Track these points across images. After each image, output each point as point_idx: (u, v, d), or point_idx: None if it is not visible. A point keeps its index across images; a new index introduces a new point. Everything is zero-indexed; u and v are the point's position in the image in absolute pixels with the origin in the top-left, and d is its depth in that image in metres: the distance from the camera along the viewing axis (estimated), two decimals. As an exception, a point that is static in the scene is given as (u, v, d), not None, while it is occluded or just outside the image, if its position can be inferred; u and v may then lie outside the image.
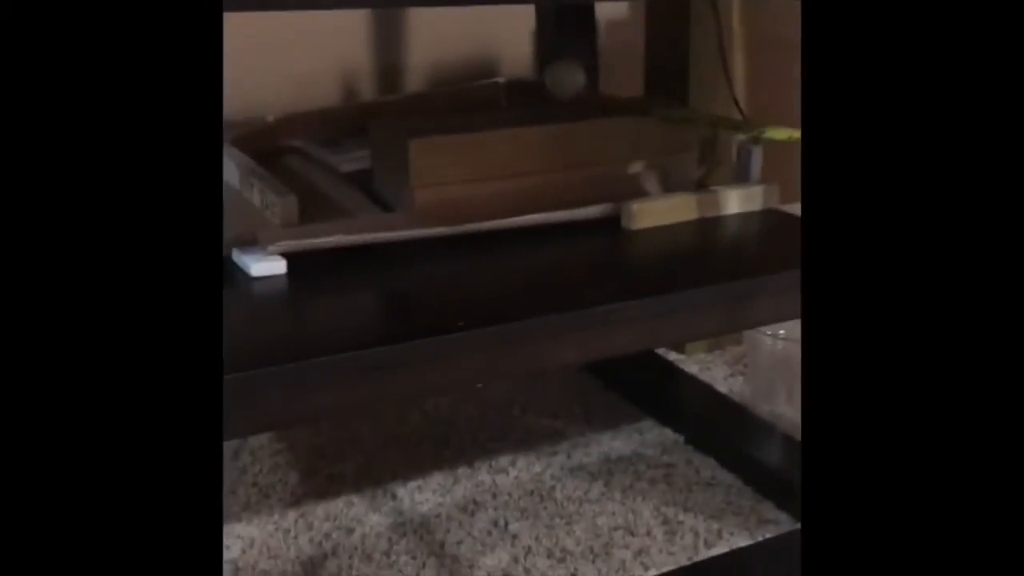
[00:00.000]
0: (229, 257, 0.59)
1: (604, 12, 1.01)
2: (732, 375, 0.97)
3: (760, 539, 0.70)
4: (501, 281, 0.59)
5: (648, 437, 0.85)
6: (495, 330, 0.52)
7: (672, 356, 1.01)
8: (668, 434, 0.85)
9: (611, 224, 0.68)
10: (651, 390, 0.92)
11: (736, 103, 0.84)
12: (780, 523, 0.72)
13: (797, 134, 0.60)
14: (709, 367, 0.99)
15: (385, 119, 0.77)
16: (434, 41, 1.01)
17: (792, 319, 0.65)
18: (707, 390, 0.92)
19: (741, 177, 0.73)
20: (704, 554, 0.68)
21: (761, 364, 0.90)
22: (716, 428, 0.85)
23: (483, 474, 0.80)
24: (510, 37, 1.02)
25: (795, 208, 0.78)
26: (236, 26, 0.56)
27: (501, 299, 0.56)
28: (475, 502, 0.76)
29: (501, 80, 0.83)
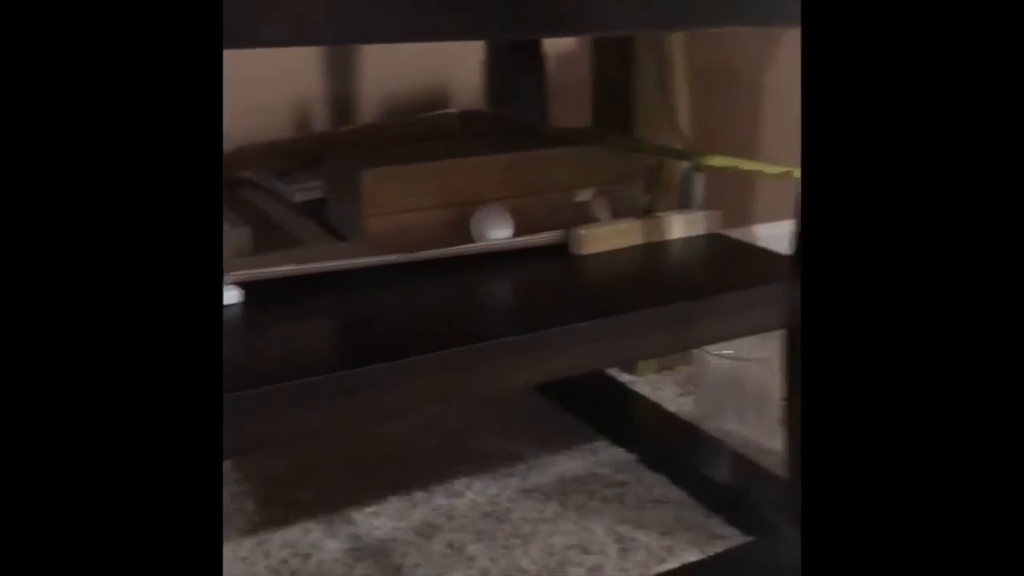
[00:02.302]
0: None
1: (553, 45, 1.04)
2: (682, 394, 0.99)
3: (710, 554, 0.71)
4: (454, 306, 0.61)
5: (601, 457, 0.87)
6: (449, 354, 0.54)
7: (624, 377, 1.03)
8: (621, 453, 0.87)
9: (561, 250, 0.70)
10: (604, 411, 0.94)
11: (679, 132, 0.87)
12: (729, 538, 0.74)
13: (735, 162, 0.63)
14: (660, 387, 1.02)
15: (339, 149, 0.78)
16: (387, 73, 1.03)
17: (736, 338, 0.68)
18: (658, 410, 0.94)
19: (684, 203, 0.76)
20: (656, 569, 0.70)
21: (709, 383, 0.92)
22: (667, 446, 0.87)
23: (440, 498, 0.81)
24: (462, 68, 1.05)
25: (736, 232, 0.81)
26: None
27: (454, 324, 0.57)
28: (432, 525, 0.77)
29: (454, 111, 0.85)
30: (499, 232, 0.68)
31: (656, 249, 0.71)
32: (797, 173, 0.61)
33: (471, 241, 0.68)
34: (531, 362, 0.57)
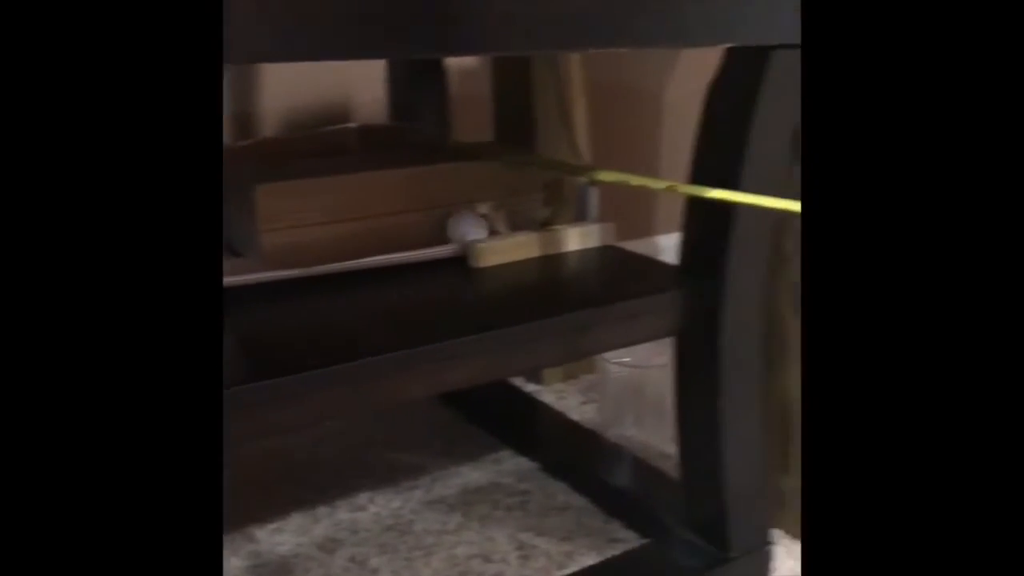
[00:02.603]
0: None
1: (455, 60, 1.05)
2: (585, 403, 1.02)
3: (607, 557, 0.73)
4: (351, 320, 0.61)
5: (505, 466, 0.88)
6: (346, 367, 0.54)
7: (530, 387, 1.05)
8: (525, 462, 0.89)
9: (459, 263, 0.71)
10: (509, 421, 0.96)
11: (575, 148, 0.89)
12: (628, 541, 0.77)
13: (624, 177, 0.66)
14: (565, 396, 1.04)
15: (234, 164, 0.78)
16: (289, 88, 1.03)
17: (627, 346, 0.70)
18: (561, 418, 0.96)
19: (580, 217, 0.79)
20: (555, 575, 0.72)
21: (610, 391, 0.95)
22: (569, 454, 0.89)
23: (342, 512, 0.81)
24: (364, 83, 1.05)
25: (638, 243, 0.84)
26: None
27: (351, 338, 0.58)
28: (334, 540, 0.77)
29: (353, 125, 0.86)
30: (475, 234, 0.72)
31: (552, 261, 0.73)
32: (682, 187, 0.64)
33: (376, 254, 0.69)
34: (426, 375, 0.57)
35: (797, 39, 0.58)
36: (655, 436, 0.91)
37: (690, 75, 1.30)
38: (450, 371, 0.59)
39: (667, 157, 1.34)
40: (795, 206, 0.58)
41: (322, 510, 0.81)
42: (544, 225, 0.78)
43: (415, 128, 0.90)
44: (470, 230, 0.72)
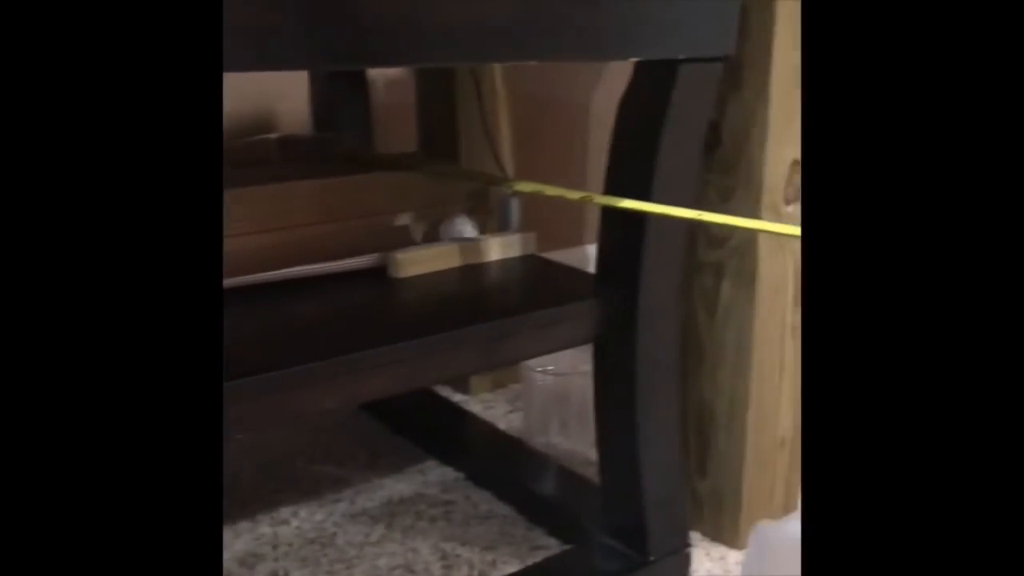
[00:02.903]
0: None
1: (378, 72, 1.05)
2: (512, 411, 1.02)
3: (529, 564, 0.74)
4: (268, 332, 0.61)
5: (430, 477, 0.88)
6: (262, 379, 0.54)
7: (457, 397, 1.05)
8: (449, 472, 0.89)
9: (379, 274, 0.71)
10: (434, 431, 0.96)
11: (497, 159, 0.90)
12: (550, 548, 0.77)
13: (541, 187, 0.67)
14: (492, 405, 1.04)
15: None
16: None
17: (545, 354, 0.71)
18: (487, 427, 0.97)
19: (502, 227, 0.79)
20: (479, 583, 0.72)
21: (534, 399, 0.96)
22: (493, 463, 0.89)
23: (264, 526, 0.79)
24: (287, 94, 1.05)
25: (561, 254, 0.85)
26: None
27: (266, 349, 0.57)
28: (255, 555, 0.75)
29: (272, 136, 0.85)
30: (466, 233, 0.74)
31: (472, 271, 0.74)
32: (597, 198, 0.65)
33: (295, 265, 0.68)
34: (341, 386, 0.57)
35: (703, 53, 0.60)
36: (580, 443, 0.92)
37: (616, 87, 1.32)
38: (368, 381, 0.59)
39: (593, 168, 1.35)
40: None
41: (243, 525, 0.80)
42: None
43: (337, 138, 0.90)
44: (464, 229, 0.75)
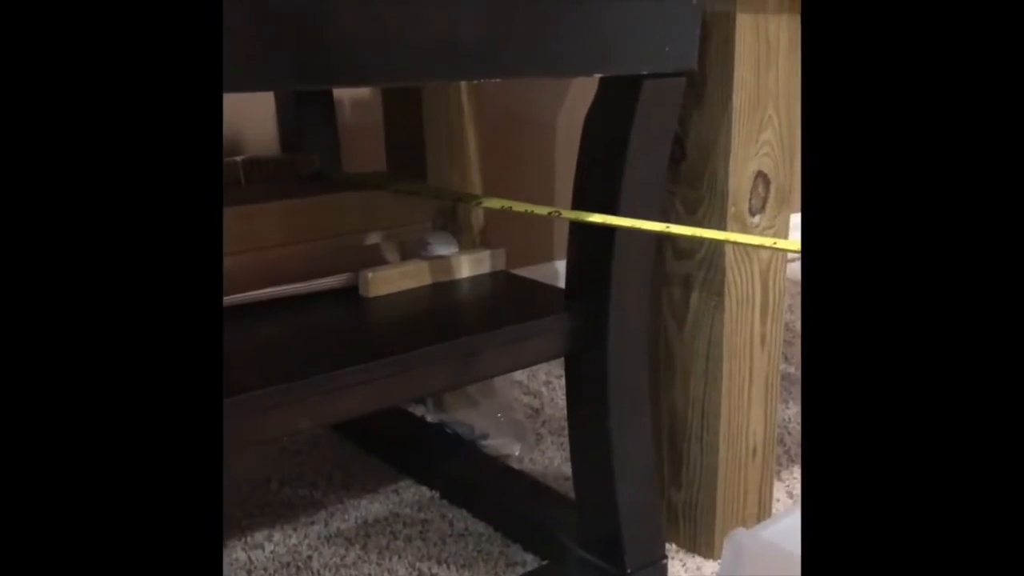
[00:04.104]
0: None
1: (344, 91, 1.05)
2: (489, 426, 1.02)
3: (507, 580, 0.74)
4: (236, 354, 0.60)
5: (405, 496, 0.88)
6: (230, 402, 0.53)
7: (431, 416, 1.05)
8: (424, 491, 0.88)
9: (350, 293, 0.71)
10: (408, 450, 0.95)
11: (467, 176, 0.90)
12: (527, 564, 0.77)
13: (508, 204, 0.67)
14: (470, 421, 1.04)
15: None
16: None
17: (516, 370, 0.71)
18: (461, 445, 0.96)
19: (471, 244, 0.79)
20: (456, 602, 0.72)
21: (511, 415, 0.96)
22: (468, 481, 0.89)
23: (238, 551, 0.79)
24: (253, 115, 1.04)
25: (531, 270, 0.85)
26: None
27: (237, 371, 0.57)
28: (229, 581, 0.75)
29: (238, 158, 0.85)
30: (445, 250, 0.75)
31: (442, 289, 0.74)
32: (565, 213, 0.65)
33: (264, 286, 0.68)
34: (316, 405, 0.57)
35: (665, 68, 0.61)
36: (555, 459, 0.92)
37: (581, 103, 1.34)
38: (340, 401, 0.59)
39: (561, 183, 1.36)
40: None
41: (216, 551, 0.79)
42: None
43: (304, 159, 0.90)
44: (436, 246, 0.75)
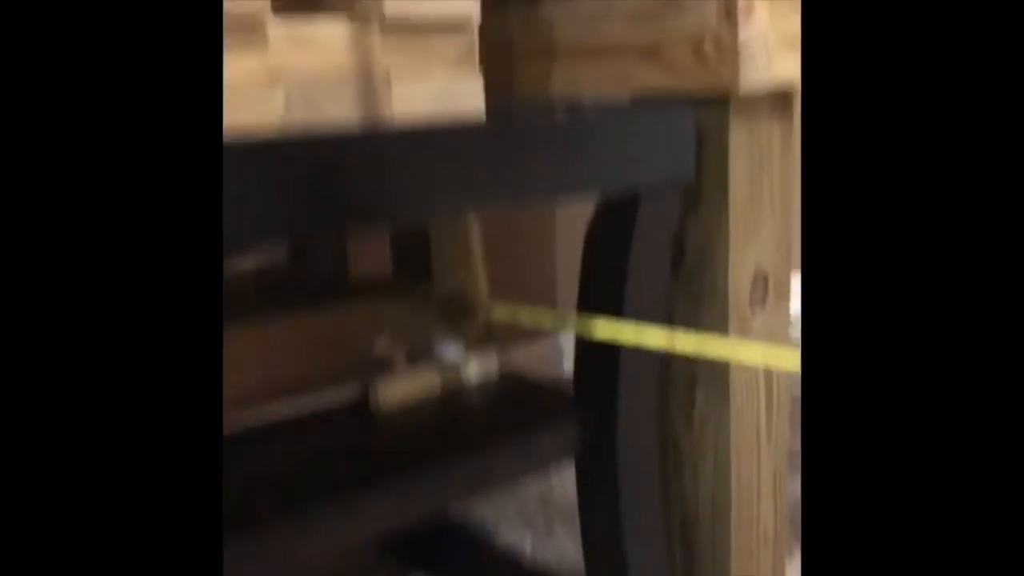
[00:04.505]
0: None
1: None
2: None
3: None
4: (246, 481, 0.61)
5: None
6: (237, 535, 0.54)
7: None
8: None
9: (361, 407, 0.72)
10: (450, 559, 0.94)
11: (473, 275, 0.92)
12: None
13: (519, 313, 0.69)
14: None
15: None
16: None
17: (529, 473, 0.72)
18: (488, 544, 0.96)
19: (479, 346, 0.81)
20: None
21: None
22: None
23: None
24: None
25: (536, 347, 0.86)
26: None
27: (243, 500, 0.57)
28: None
29: (248, 268, 0.86)
30: (448, 355, 0.77)
31: (452, 398, 0.75)
32: (572, 324, 0.67)
33: (293, 395, 0.69)
34: (330, 529, 0.57)
35: (663, 179, 0.63)
36: (569, 550, 0.92)
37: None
38: (354, 524, 0.59)
39: (564, 279, 1.38)
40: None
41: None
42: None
43: (312, 265, 0.92)
44: (445, 351, 0.76)
